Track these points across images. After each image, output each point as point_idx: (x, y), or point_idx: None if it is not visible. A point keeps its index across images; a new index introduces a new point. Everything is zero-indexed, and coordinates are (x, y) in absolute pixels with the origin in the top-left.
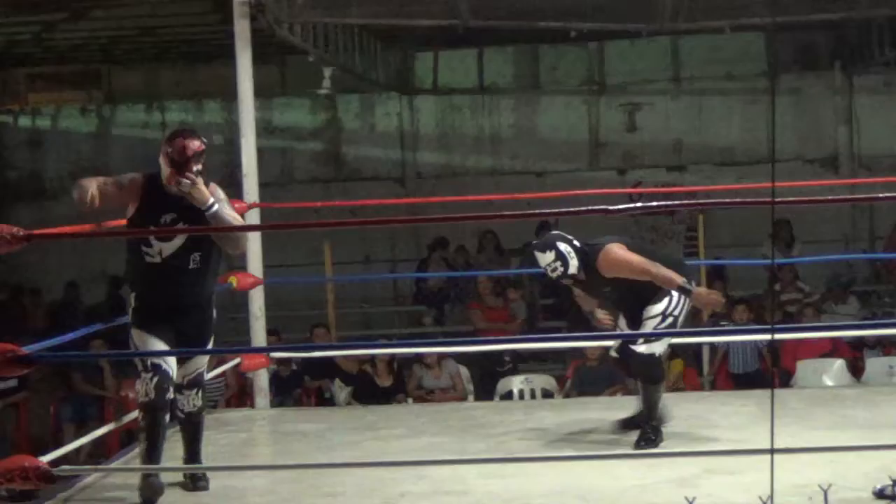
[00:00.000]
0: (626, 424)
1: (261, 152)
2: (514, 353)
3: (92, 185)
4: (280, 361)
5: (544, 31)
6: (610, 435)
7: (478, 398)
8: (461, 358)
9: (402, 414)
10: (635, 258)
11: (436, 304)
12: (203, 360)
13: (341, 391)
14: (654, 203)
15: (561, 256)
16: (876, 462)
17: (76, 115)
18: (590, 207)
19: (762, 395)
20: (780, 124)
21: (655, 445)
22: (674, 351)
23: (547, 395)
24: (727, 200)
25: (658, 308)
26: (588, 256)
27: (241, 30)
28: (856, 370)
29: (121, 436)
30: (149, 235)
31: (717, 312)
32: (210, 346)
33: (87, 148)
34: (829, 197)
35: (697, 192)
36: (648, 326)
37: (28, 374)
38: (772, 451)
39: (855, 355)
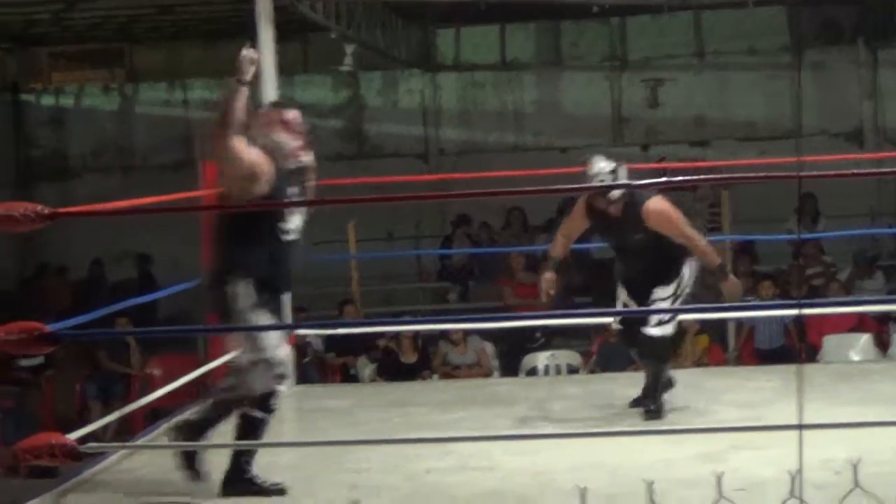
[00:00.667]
0: (638, 403)
1: None
2: (546, 329)
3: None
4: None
5: (566, 6)
6: (635, 410)
7: (503, 374)
8: (489, 334)
9: (427, 390)
10: (682, 217)
11: (460, 281)
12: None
13: (366, 368)
14: (678, 178)
15: (616, 174)
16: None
17: (98, 94)
18: (612, 183)
19: (788, 370)
20: (803, 99)
21: (660, 417)
22: (700, 327)
23: (572, 370)
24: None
25: (668, 290)
26: (633, 198)
27: (264, 7)
28: (882, 344)
29: (146, 414)
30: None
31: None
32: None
33: (109, 126)
34: (855, 171)
35: (721, 167)
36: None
37: (54, 351)
38: (800, 427)
39: (881, 329)
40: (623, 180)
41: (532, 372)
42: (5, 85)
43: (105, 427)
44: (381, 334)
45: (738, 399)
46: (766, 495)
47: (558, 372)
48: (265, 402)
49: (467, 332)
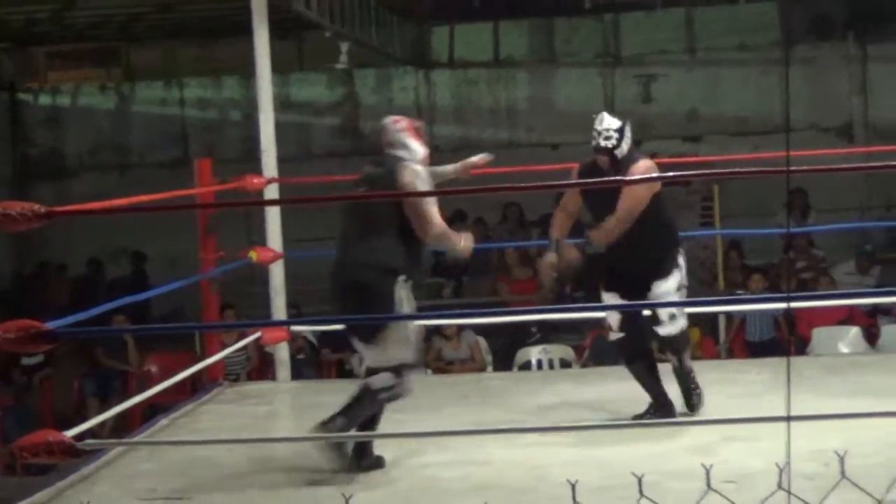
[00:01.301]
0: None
1: (279, 127)
2: (542, 324)
3: None
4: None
5: (560, 2)
6: (628, 404)
7: (496, 369)
8: (482, 329)
9: (421, 386)
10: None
11: (455, 276)
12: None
13: (360, 364)
14: (670, 174)
15: (621, 133)
16: (891, 428)
17: (95, 93)
18: (607, 178)
19: (778, 362)
20: (794, 94)
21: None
22: (691, 320)
23: (565, 365)
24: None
25: (670, 284)
26: (624, 156)
27: (259, 5)
28: (871, 337)
29: (144, 410)
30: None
31: (734, 281)
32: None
33: (106, 125)
34: (844, 165)
35: (713, 161)
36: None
37: (52, 349)
38: (788, 419)
39: (870, 322)
40: (628, 136)
41: (525, 366)
42: (2, 84)
43: (102, 423)
44: None
45: (729, 391)
46: (756, 487)
47: (551, 366)
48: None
49: (461, 328)
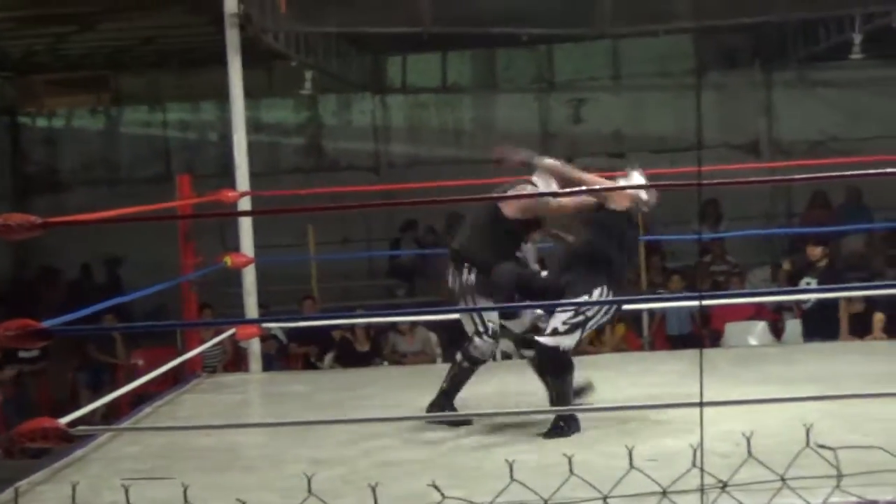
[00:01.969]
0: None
1: (251, 146)
2: None
3: None
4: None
5: (499, 36)
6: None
7: (445, 360)
8: (433, 325)
9: (378, 376)
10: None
11: (408, 279)
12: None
13: (326, 356)
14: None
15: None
16: (793, 412)
17: (87, 116)
18: (542, 191)
19: (694, 354)
20: (707, 115)
21: (567, 435)
22: (618, 316)
23: (506, 357)
24: (661, 184)
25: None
26: None
27: (232, 38)
28: (777, 331)
29: (131, 399)
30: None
31: (655, 282)
32: None
33: (96, 145)
34: (750, 178)
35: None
36: (558, 319)
37: (48, 344)
38: (701, 405)
39: (776, 318)
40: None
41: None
42: (4, 109)
43: (94, 412)
44: (338, 326)
45: (651, 381)
46: (674, 465)
47: (494, 358)
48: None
49: (414, 324)
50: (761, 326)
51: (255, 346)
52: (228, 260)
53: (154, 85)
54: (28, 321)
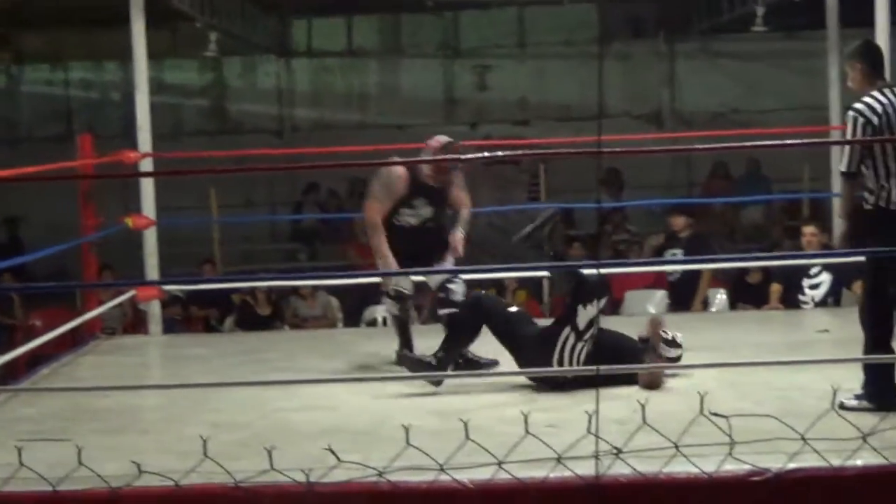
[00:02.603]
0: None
1: (154, 108)
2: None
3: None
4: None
5: (405, 1)
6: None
7: (346, 325)
8: (334, 290)
9: (279, 340)
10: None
11: (310, 243)
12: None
13: (226, 320)
14: (500, 153)
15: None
16: (689, 381)
17: None
18: (445, 157)
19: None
20: (610, 85)
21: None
22: (518, 284)
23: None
24: (561, 151)
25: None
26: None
27: None
28: None
29: (28, 360)
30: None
31: (557, 249)
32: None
33: None
34: (651, 148)
35: (539, 143)
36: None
37: None
38: (597, 370)
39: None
40: None
41: (372, 323)
42: None
43: None
44: (239, 289)
45: None
46: (571, 431)
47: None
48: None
49: (316, 288)
50: (660, 295)
51: (154, 309)
52: (130, 221)
53: (56, 43)
54: None
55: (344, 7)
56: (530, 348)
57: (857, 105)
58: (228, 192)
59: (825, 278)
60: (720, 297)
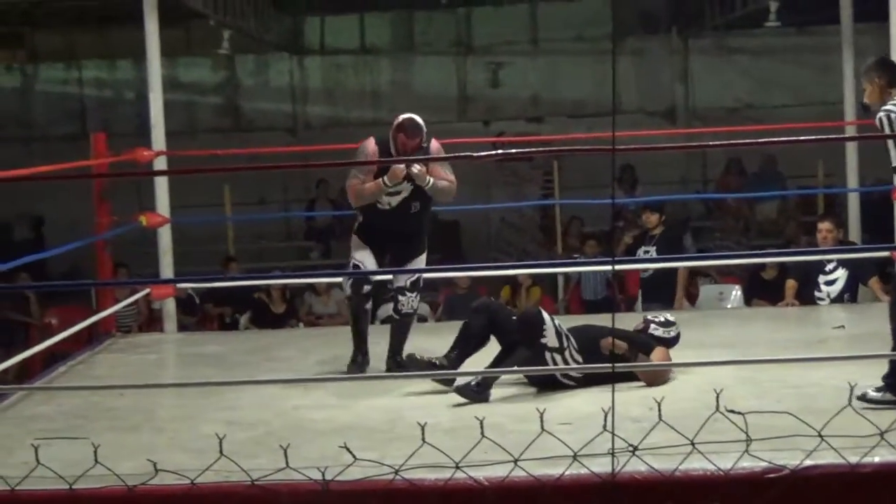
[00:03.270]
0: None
1: (167, 106)
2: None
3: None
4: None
5: None
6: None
7: None
8: None
9: (294, 337)
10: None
11: (323, 240)
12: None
13: (241, 317)
14: (514, 150)
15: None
16: (706, 377)
17: (2, 73)
18: (458, 154)
19: (608, 318)
20: (623, 81)
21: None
22: (532, 281)
23: (421, 319)
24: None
25: (421, 263)
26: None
27: None
28: (690, 296)
29: (44, 359)
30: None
31: (572, 246)
32: (421, 264)
33: (12, 101)
34: (665, 144)
35: (552, 140)
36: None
37: None
38: (612, 367)
39: (690, 283)
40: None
41: (387, 321)
42: None
43: (6, 371)
44: (255, 287)
45: None
46: (587, 429)
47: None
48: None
49: (330, 285)
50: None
51: (169, 307)
52: (144, 219)
53: (70, 42)
54: None
55: (357, 4)
56: (531, 361)
57: (888, 106)
58: (242, 190)
59: (841, 274)
60: (735, 293)
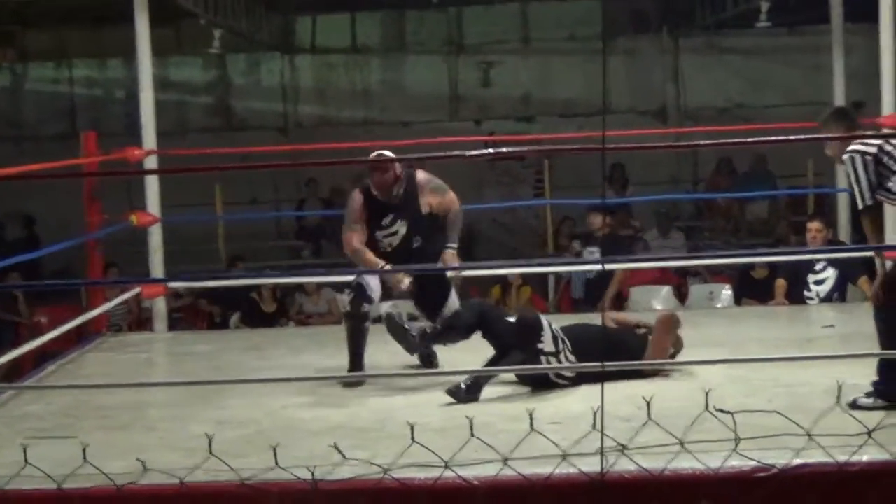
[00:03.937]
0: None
1: (158, 105)
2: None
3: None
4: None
5: None
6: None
7: None
8: (339, 286)
9: (284, 336)
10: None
11: (314, 240)
12: (453, 306)
13: (231, 317)
14: (505, 150)
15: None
16: (698, 376)
17: None
18: (449, 153)
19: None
20: (615, 81)
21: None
22: (522, 280)
23: (412, 318)
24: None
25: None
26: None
27: None
28: (681, 295)
29: (34, 358)
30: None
31: (562, 245)
32: (450, 295)
33: (3, 100)
34: (656, 143)
35: (543, 140)
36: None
37: None
38: (602, 366)
39: (680, 282)
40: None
41: (377, 320)
42: None
43: None
44: (247, 287)
45: None
46: (576, 428)
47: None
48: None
49: (320, 285)
50: (666, 290)
51: (160, 306)
52: (134, 219)
53: (61, 41)
54: None
55: (348, 4)
56: (526, 364)
57: (852, 147)
58: (233, 190)
59: (830, 274)
60: (725, 292)
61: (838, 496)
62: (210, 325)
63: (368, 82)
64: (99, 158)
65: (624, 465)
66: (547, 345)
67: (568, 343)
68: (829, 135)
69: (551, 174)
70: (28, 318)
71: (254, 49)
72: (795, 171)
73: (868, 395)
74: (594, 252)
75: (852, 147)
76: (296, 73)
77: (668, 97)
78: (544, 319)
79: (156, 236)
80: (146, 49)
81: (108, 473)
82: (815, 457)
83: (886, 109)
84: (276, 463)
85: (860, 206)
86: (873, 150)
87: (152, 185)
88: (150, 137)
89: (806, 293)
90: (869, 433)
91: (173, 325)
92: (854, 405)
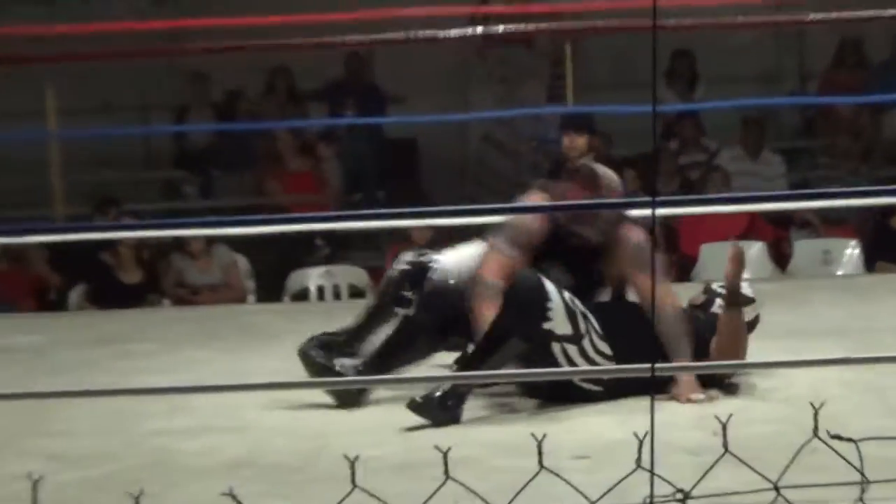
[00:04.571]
0: None
1: None
2: (327, 236)
3: None
4: None
5: None
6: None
7: (260, 299)
8: (242, 243)
9: (155, 321)
10: None
11: (202, 170)
12: None
13: (72, 291)
14: (502, 27)
15: None
16: (801, 384)
17: None
18: (415, 33)
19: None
20: None
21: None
22: None
23: (356, 294)
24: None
25: None
26: None
27: None
28: (780, 256)
29: None
30: None
31: None
32: None
33: None
34: (741, 19)
35: (565, 12)
36: None
37: None
38: (652, 370)
39: (779, 237)
40: None
41: (301, 295)
42: None
43: None
44: (93, 243)
45: None
46: (612, 463)
47: (337, 295)
48: None
49: (211, 241)
50: (757, 249)
51: None
52: None
53: None
54: None
55: None
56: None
57: None
58: (75, 91)
59: None
60: (850, 252)
61: None
62: (40, 303)
63: None
64: None
65: None
66: (558, 323)
67: (594, 322)
68: None
69: (575, 67)
70: None
71: None
72: None
73: None
74: None
75: None
76: None
77: None
78: (549, 284)
79: None
80: None
81: None
82: None
83: None
84: None
85: None
86: None
87: None
88: None
89: None
90: None
91: None
92: None
